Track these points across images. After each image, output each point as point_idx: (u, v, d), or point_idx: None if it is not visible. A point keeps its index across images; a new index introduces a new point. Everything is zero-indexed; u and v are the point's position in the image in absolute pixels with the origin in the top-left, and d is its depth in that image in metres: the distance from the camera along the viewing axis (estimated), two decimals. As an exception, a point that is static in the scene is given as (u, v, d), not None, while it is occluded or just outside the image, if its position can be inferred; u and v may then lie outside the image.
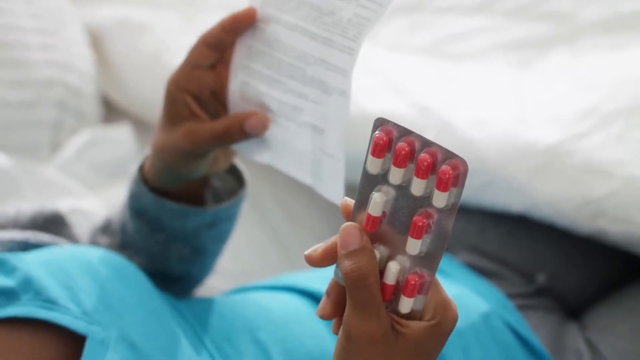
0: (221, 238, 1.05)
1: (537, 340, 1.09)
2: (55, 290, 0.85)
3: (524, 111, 1.31)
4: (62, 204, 1.17)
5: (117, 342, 0.82)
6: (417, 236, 0.67)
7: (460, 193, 0.66)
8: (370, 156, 0.68)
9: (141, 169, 1.01)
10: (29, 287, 0.85)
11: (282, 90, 0.93)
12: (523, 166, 1.24)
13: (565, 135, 1.24)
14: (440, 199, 0.66)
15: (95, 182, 1.46)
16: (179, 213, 1.00)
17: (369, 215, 0.68)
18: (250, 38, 0.94)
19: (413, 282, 0.67)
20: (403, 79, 1.42)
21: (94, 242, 1.09)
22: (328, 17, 0.89)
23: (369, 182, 0.69)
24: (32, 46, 1.47)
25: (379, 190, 0.68)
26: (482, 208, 1.29)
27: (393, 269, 0.68)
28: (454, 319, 0.69)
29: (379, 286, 0.67)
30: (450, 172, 0.65)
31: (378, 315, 0.67)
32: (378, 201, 0.68)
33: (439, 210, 0.66)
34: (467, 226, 1.29)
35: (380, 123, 0.68)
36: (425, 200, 0.67)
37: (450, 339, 1.00)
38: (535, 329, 1.14)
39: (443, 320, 0.69)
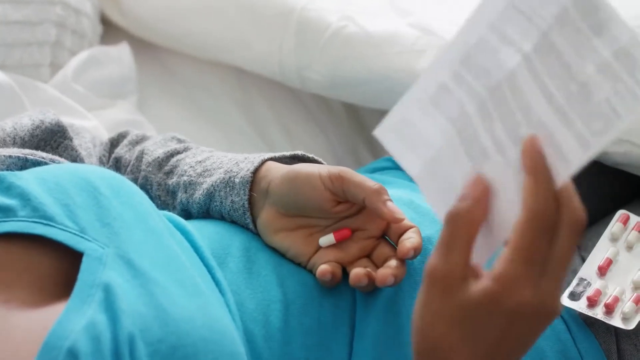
0: None
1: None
2: (52, 207, 0.85)
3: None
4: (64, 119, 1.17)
5: (114, 260, 0.82)
6: None
7: None
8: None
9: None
10: (25, 204, 0.85)
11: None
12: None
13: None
14: None
15: (93, 102, 1.45)
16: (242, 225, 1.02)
17: None
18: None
19: None
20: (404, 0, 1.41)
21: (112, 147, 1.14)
22: (577, 85, 0.70)
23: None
24: (32, -37, 1.46)
25: None
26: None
27: None
28: (553, 312, 0.71)
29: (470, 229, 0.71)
30: None
31: (447, 255, 0.71)
32: None
33: None
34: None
35: None
36: None
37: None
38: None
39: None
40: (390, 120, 0.79)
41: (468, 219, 0.71)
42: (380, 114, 1.56)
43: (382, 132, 0.80)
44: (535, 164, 0.69)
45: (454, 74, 0.75)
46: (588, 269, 1.07)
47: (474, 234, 0.72)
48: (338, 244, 0.96)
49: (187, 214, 1.06)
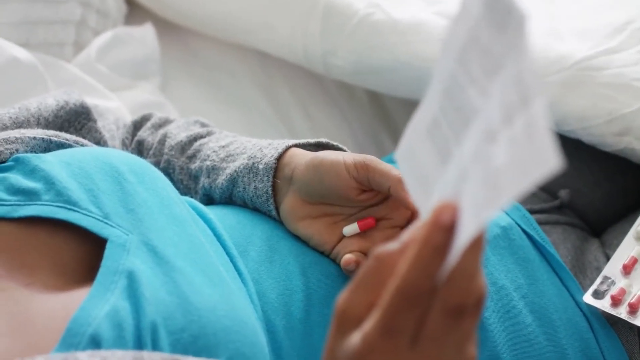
0: None
1: (558, 255, 1.08)
2: (76, 192, 0.85)
3: (556, 24, 1.29)
4: (87, 100, 1.16)
5: (138, 247, 0.82)
6: None
7: None
8: None
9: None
10: (49, 187, 0.85)
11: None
12: (553, 79, 1.22)
13: (597, 50, 1.22)
14: None
15: (116, 83, 1.45)
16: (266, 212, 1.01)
17: None
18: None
19: None
20: (432, -13, 1.39)
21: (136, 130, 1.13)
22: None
23: None
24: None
25: None
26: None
27: None
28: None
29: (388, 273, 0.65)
30: None
31: (354, 291, 0.66)
32: None
33: None
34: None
35: None
36: None
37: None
38: (556, 244, 1.13)
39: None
40: (402, 146, 0.70)
41: (391, 262, 0.63)
42: (404, 102, 1.57)
43: (398, 158, 0.72)
44: (430, 238, 0.60)
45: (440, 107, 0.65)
46: (612, 268, 1.06)
47: (387, 278, 0.63)
48: (362, 233, 0.96)
49: (210, 199, 1.06)
